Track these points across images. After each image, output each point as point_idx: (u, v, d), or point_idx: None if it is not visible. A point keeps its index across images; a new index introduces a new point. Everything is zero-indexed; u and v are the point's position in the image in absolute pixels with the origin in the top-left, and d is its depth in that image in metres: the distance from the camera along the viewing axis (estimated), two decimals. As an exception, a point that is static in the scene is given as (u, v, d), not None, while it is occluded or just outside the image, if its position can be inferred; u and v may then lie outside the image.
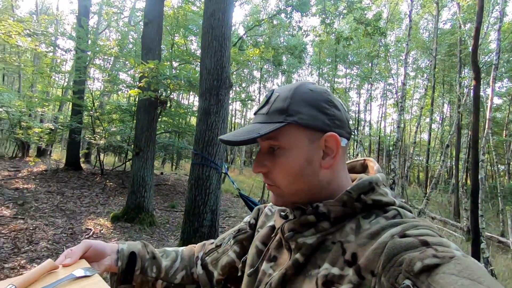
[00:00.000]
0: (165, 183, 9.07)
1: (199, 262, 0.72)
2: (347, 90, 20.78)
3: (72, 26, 11.34)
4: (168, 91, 5.51)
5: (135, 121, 7.08)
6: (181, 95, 19.21)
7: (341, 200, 0.46)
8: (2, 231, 3.73)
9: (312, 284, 0.43)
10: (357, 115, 20.97)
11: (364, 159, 0.60)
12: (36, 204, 5.04)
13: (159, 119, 7.58)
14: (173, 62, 9.55)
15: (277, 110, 0.48)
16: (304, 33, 9.91)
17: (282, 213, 0.56)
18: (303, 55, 17.99)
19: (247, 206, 3.22)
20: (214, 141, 3.64)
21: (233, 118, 23.85)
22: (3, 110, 7.86)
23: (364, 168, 0.59)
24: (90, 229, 4.34)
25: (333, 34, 8.42)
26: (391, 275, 0.34)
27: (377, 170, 0.53)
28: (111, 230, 4.44)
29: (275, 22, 13.64)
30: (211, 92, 3.64)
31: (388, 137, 20.72)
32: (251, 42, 14.76)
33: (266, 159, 0.50)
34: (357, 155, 9.66)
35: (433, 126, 18.30)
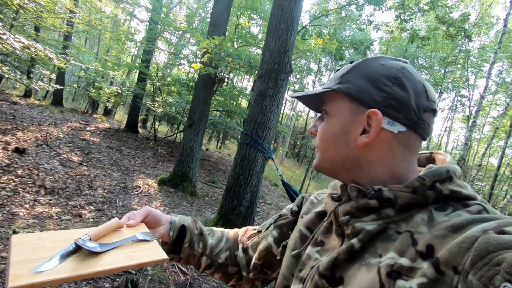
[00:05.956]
0: (209, 159, 9.44)
1: (240, 245, 0.73)
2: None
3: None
4: (228, 70, 5.61)
5: (191, 95, 7.42)
6: (236, 77, 19.56)
7: (411, 186, 0.41)
8: (70, 173, 4.24)
9: (371, 273, 0.38)
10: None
11: (431, 152, 0.52)
12: (98, 156, 5.62)
13: (213, 97, 7.82)
14: (235, 44, 9.68)
15: (335, 77, 0.49)
16: (374, 27, 9.27)
17: (334, 196, 0.51)
18: (368, 51, 16.90)
19: (287, 194, 3.17)
20: (265, 124, 3.63)
21: (283, 108, 23.30)
22: (83, 68, 8.82)
23: (429, 162, 0.51)
24: (139, 186, 4.72)
25: (408, 32, 7.73)
26: (484, 274, 0.29)
27: (450, 163, 0.45)
28: (157, 192, 4.78)
29: (343, 13, 12.93)
30: (271, 75, 3.60)
31: (450, 155, 18.73)
32: (314, 32, 14.27)
33: (317, 122, 0.52)
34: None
35: (508, 151, 15.92)
